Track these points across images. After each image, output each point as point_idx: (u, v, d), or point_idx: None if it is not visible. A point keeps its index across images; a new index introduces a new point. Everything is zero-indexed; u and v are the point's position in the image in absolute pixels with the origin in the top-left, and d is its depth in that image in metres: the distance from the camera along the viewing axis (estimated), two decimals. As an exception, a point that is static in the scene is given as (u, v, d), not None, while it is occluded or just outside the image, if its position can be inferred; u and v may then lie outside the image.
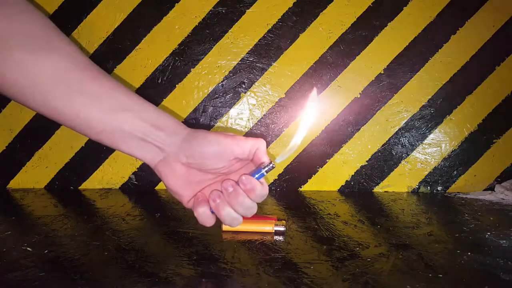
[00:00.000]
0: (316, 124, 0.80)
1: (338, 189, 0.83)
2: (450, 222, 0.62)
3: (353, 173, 0.82)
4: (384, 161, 0.82)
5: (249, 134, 0.81)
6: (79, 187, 0.81)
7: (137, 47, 0.77)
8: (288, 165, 0.82)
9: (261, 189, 0.41)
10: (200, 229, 0.55)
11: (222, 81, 0.79)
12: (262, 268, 0.43)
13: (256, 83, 0.79)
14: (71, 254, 0.45)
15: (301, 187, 0.83)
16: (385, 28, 0.78)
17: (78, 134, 0.40)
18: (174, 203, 0.69)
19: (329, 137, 0.80)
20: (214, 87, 0.79)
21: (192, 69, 0.78)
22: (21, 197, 0.73)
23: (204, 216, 0.42)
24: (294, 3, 0.77)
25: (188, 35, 0.77)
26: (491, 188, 0.82)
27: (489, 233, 0.56)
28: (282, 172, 0.82)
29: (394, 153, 0.82)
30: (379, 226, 0.58)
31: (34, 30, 0.37)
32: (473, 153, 0.82)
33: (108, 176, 0.80)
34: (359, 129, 0.81)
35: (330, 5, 0.77)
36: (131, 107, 0.39)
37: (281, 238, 0.53)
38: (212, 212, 0.42)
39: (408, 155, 0.82)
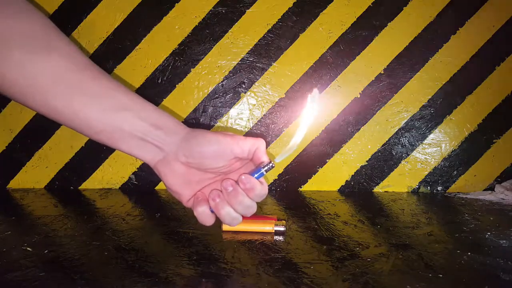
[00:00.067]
0: (316, 124, 0.80)
1: (338, 189, 0.83)
2: (450, 222, 0.62)
3: (353, 173, 0.82)
4: (384, 161, 0.82)
5: (249, 134, 0.81)
6: (79, 187, 0.81)
7: (137, 47, 0.77)
8: (288, 165, 0.82)
9: (261, 188, 0.41)
10: (200, 229, 0.55)
11: (222, 81, 0.79)
12: (262, 268, 0.43)
13: (256, 83, 0.79)
14: (71, 254, 0.45)
15: (301, 187, 0.83)
16: (385, 28, 0.78)
17: (78, 134, 0.40)
18: (174, 203, 0.69)
19: (329, 137, 0.80)
20: (214, 87, 0.79)
21: (192, 69, 0.78)
22: (21, 197, 0.73)
23: (204, 215, 0.42)
24: (294, 3, 0.77)
25: (188, 35, 0.77)
26: (491, 188, 0.82)
27: (489, 233, 0.56)
28: (282, 172, 0.82)
29: (394, 153, 0.82)
30: (379, 226, 0.58)
31: (34, 30, 0.37)
32: (473, 153, 0.82)
33: (108, 176, 0.80)
34: (359, 129, 0.81)
35: (330, 5, 0.77)
36: (130, 107, 0.40)
37: (281, 238, 0.53)
38: (212, 212, 0.42)
39: (408, 155, 0.82)
